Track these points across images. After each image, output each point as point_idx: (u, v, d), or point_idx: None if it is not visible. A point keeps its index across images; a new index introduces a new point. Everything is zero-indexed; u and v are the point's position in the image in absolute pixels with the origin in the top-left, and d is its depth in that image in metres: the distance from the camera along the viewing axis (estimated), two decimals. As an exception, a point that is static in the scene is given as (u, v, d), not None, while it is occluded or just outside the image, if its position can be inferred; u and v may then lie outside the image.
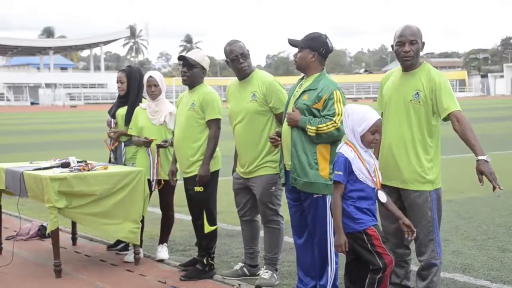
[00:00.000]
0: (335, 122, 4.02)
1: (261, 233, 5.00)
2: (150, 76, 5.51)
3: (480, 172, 3.70)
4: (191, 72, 4.98)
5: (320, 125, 4.03)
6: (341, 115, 4.00)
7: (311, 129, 4.04)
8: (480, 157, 3.70)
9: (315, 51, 4.17)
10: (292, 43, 4.23)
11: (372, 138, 3.67)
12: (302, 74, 4.33)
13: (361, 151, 3.68)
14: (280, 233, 4.77)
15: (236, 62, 4.67)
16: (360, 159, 3.67)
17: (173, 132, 5.53)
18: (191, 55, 5.05)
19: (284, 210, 4.81)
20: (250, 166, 4.68)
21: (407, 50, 3.86)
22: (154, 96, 5.50)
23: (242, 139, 4.71)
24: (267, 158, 4.62)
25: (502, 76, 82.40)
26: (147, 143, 5.41)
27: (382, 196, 3.72)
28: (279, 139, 4.34)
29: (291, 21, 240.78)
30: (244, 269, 4.96)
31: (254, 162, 4.66)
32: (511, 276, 4.78)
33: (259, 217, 4.92)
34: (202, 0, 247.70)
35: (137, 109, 5.64)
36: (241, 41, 4.76)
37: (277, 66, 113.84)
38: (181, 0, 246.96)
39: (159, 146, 5.43)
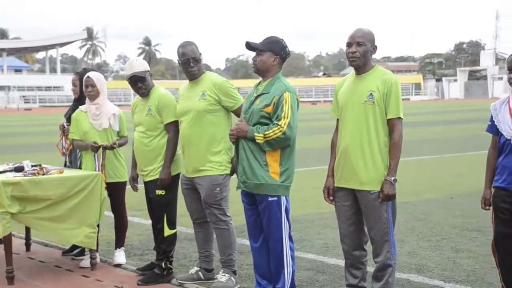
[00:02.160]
0: (280, 127, 4.02)
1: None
2: (87, 76, 5.44)
3: (382, 189, 3.86)
4: (145, 84, 4.99)
5: (267, 132, 4.03)
6: (288, 118, 4.02)
7: (258, 137, 4.04)
8: (389, 178, 3.88)
9: (276, 54, 4.19)
10: (254, 46, 4.21)
11: (508, 77, 3.63)
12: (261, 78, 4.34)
13: (511, 95, 3.69)
14: (230, 233, 4.77)
15: (187, 65, 4.69)
16: (508, 104, 3.66)
17: (118, 133, 5.50)
18: (138, 68, 4.99)
19: (237, 213, 4.82)
20: (195, 166, 4.68)
21: (353, 51, 3.92)
22: (90, 96, 5.43)
23: (188, 138, 4.71)
24: (213, 158, 4.63)
25: (455, 80, 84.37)
26: (95, 148, 5.34)
27: None
28: None
29: (249, 24, 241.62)
30: (200, 273, 4.94)
31: (199, 162, 4.66)
32: (463, 275, 4.90)
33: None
34: (161, 2, 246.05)
35: (77, 112, 5.51)
36: (194, 43, 4.76)
37: (236, 69, 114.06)
38: (139, 2, 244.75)
39: (106, 148, 5.36)
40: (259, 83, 4.29)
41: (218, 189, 4.63)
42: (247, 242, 5.41)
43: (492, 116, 3.78)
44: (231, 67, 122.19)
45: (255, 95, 4.22)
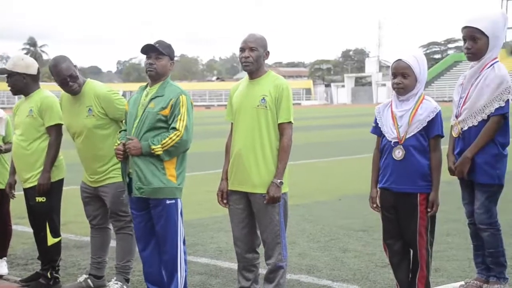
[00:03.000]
0: (178, 131, 4.00)
1: (112, 243, 4.88)
2: None
3: (268, 192, 3.93)
4: (11, 82, 4.77)
5: (164, 141, 3.99)
6: (184, 121, 4.01)
7: (156, 149, 3.99)
8: (275, 180, 3.95)
9: (172, 59, 4.19)
10: (160, 50, 4.08)
11: (392, 83, 3.85)
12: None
13: (393, 99, 3.88)
14: (133, 240, 4.67)
15: (65, 85, 4.53)
16: (390, 108, 3.86)
17: (3, 139, 5.23)
18: (12, 65, 4.77)
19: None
20: (97, 176, 4.59)
21: (246, 56, 3.99)
22: None
23: (84, 153, 4.61)
24: (115, 166, 4.52)
25: (343, 86, 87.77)
26: None
27: (399, 153, 3.78)
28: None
29: (145, 26, 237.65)
30: (89, 280, 4.79)
31: (101, 173, 4.57)
32: (350, 274, 5.09)
33: (111, 225, 4.79)
34: (46, 1, 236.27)
35: None
36: (67, 59, 4.58)
37: (128, 72, 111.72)
38: (21, 1, 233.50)
39: None
40: (146, 86, 4.23)
41: (124, 195, 4.52)
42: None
43: (376, 119, 3.98)
44: (123, 70, 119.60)
45: (146, 98, 4.15)
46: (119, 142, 4.18)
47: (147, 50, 4.12)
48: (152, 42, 4.16)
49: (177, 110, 4.03)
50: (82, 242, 6.22)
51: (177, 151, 4.05)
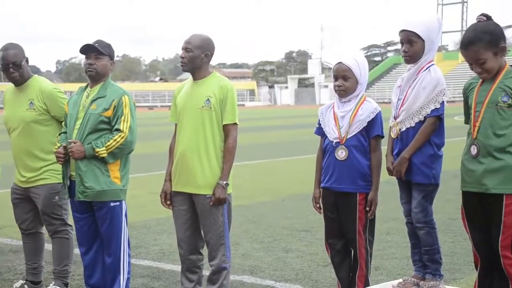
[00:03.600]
0: (122, 132, 3.97)
1: (47, 246, 4.76)
2: None
3: (214, 193, 3.95)
4: None
5: (108, 143, 3.94)
6: (128, 122, 3.98)
7: (101, 151, 3.93)
8: (221, 182, 3.97)
9: (112, 59, 4.14)
10: (98, 49, 4.02)
11: (334, 85, 3.93)
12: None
13: (336, 100, 3.99)
14: (70, 244, 4.58)
15: (6, 70, 4.42)
16: (333, 109, 3.98)
17: None
18: None
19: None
20: (30, 175, 4.45)
21: (182, 56, 4.02)
22: None
23: (19, 148, 4.46)
24: (49, 167, 4.42)
25: (286, 87, 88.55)
26: None
27: (342, 153, 3.87)
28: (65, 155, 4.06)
29: (87, 25, 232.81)
30: (26, 286, 4.66)
31: (34, 172, 4.43)
32: (293, 274, 5.15)
33: (44, 229, 4.67)
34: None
35: None
36: (19, 47, 4.46)
37: (68, 72, 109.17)
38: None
39: None
40: (86, 87, 4.16)
41: (56, 197, 4.42)
42: (77, 251, 5.20)
43: (319, 120, 4.05)
44: (63, 70, 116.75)
45: (87, 100, 4.07)
46: (59, 145, 4.09)
47: (86, 50, 4.06)
48: (91, 42, 4.09)
49: (120, 111, 3.99)
50: (18, 247, 6.03)
51: (122, 153, 4.00)
